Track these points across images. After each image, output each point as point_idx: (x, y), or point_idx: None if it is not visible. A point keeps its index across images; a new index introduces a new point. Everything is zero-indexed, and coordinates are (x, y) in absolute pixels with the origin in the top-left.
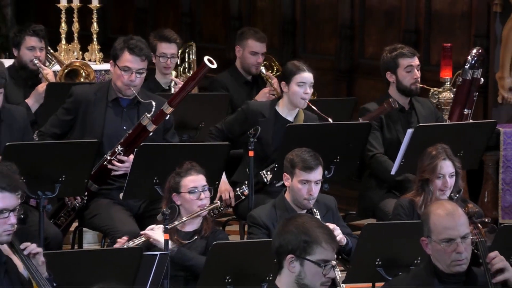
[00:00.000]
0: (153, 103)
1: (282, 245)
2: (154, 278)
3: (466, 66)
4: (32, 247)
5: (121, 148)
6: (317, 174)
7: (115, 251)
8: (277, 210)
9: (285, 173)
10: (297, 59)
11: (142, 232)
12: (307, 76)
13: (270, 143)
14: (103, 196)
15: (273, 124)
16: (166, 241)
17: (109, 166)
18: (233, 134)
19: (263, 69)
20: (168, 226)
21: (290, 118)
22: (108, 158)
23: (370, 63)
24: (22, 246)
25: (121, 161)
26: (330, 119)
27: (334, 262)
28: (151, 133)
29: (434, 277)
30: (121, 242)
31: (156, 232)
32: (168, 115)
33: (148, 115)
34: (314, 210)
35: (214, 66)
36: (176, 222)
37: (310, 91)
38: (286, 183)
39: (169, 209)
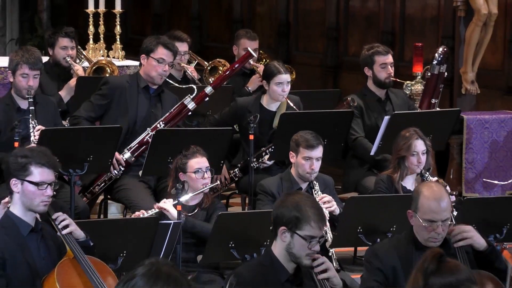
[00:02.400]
0: (194, 87)
1: (278, 217)
2: (168, 243)
3: (434, 62)
4: (61, 219)
5: (163, 125)
6: (318, 152)
7: (135, 220)
8: (283, 182)
9: (291, 151)
10: (291, 57)
11: (155, 205)
12: (284, 77)
13: (257, 133)
14: (126, 173)
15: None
16: (179, 212)
17: (151, 140)
18: (227, 125)
19: (250, 61)
20: (181, 199)
21: (274, 108)
22: (150, 133)
23: (353, 60)
24: (54, 216)
25: None
26: (297, 109)
27: (323, 238)
28: (190, 112)
29: (412, 244)
30: (138, 215)
31: (167, 205)
32: (208, 97)
33: (191, 96)
34: (315, 182)
35: (256, 56)
36: (183, 198)
37: (287, 88)
38: (291, 160)
39: (181, 185)
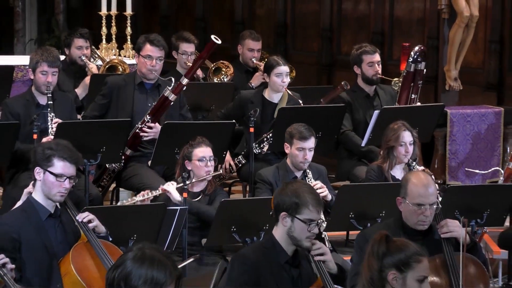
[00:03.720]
0: (172, 79)
1: (279, 203)
2: (175, 228)
3: (409, 61)
4: (85, 215)
5: (149, 117)
6: (310, 142)
7: (144, 206)
8: (279, 171)
9: (285, 143)
10: (288, 56)
11: (160, 187)
12: (283, 68)
13: (259, 122)
14: (136, 162)
15: (260, 108)
16: (184, 199)
17: (141, 134)
18: (233, 117)
19: (254, 59)
20: (185, 186)
21: (276, 100)
22: (139, 126)
23: (345, 59)
24: (78, 218)
25: (150, 128)
26: (300, 100)
27: (320, 220)
28: (172, 102)
29: (400, 229)
30: (142, 194)
31: (171, 187)
32: (185, 86)
33: (169, 88)
34: (308, 171)
35: (219, 42)
36: (187, 182)
37: (286, 79)
38: (286, 151)
39: (187, 174)
